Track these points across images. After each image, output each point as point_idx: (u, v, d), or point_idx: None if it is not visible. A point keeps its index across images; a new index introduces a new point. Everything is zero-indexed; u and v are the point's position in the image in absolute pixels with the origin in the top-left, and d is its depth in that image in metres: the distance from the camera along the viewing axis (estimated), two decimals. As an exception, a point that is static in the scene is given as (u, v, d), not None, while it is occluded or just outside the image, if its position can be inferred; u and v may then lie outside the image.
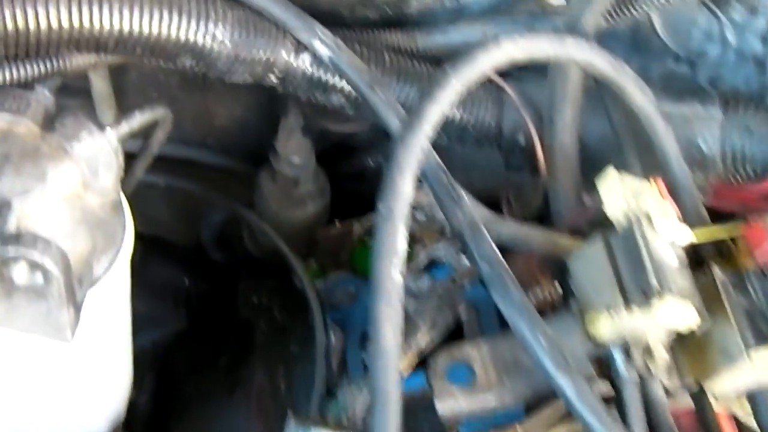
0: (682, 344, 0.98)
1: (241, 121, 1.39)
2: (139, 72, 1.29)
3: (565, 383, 0.88)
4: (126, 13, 1.00)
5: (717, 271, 1.00)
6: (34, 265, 0.86)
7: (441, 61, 1.23)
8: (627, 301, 0.94)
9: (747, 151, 1.18)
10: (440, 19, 1.25)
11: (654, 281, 0.92)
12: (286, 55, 1.11)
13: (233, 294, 1.43)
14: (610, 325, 0.95)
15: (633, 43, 1.27)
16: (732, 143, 1.18)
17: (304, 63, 1.12)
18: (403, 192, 0.90)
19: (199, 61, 1.07)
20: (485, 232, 0.95)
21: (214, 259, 1.52)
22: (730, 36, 1.21)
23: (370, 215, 1.36)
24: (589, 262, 1.00)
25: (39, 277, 0.87)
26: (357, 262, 1.35)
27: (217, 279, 1.51)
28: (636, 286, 0.93)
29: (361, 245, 1.36)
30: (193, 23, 1.04)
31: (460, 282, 1.12)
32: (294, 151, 1.31)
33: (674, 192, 1.06)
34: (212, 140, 1.41)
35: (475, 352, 1.01)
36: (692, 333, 0.95)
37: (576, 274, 1.02)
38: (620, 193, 1.00)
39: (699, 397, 0.98)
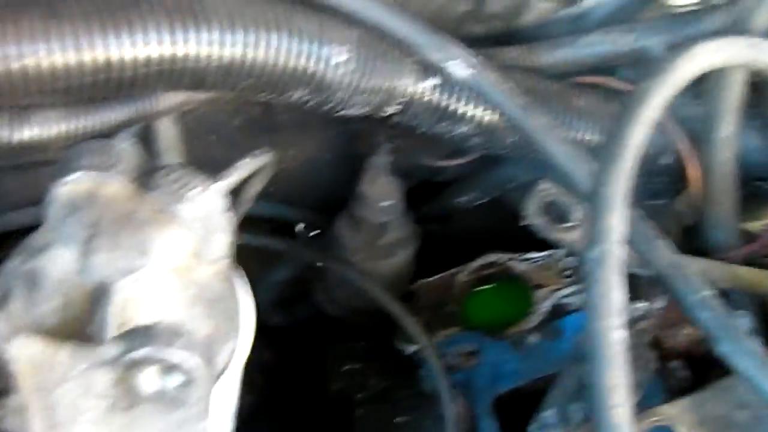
0: None
1: (312, 162, 1.20)
2: (196, 114, 1.09)
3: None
4: (228, 37, 0.81)
5: None
6: (169, 368, 0.67)
7: (566, 78, 1.06)
8: None
9: None
10: (555, 32, 1.09)
11: None
12: (410, 81, 0.94)
13: (309, 362, 1.23)
14: None
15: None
16: None
17: (430, 89, 0.95)
18: (616, 232, 0.75)
19: (314, 92, 0.90)
20: (693, 272, 0.83)
21: (273, 325, 1.32)
22: None
23: (475, 260, 1.19)
24: None
25: (174, 380, 0.68)
26: (471, 314, 1.17)
27: (279, 347, 1.31)
28: None
29: (473, 294, 1.18)
30: (309, 46, 0.86)
31: (650, 330, 0.95)
32: (383, 193, 1.13)
33: None
34: (276, 188, 1.21)
35: (678, 412, 0.88)
36: None
37: None
38: None
39: None
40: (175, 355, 0.66)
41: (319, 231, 1.27)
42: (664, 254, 0.82)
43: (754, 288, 0.95)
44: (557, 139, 0.89)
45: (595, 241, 0.74)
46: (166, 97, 0.87)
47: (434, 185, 1.30)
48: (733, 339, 0.78)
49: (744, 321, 0.95)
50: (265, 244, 1.18)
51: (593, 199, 0.77)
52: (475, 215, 1.30)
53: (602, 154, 0.79)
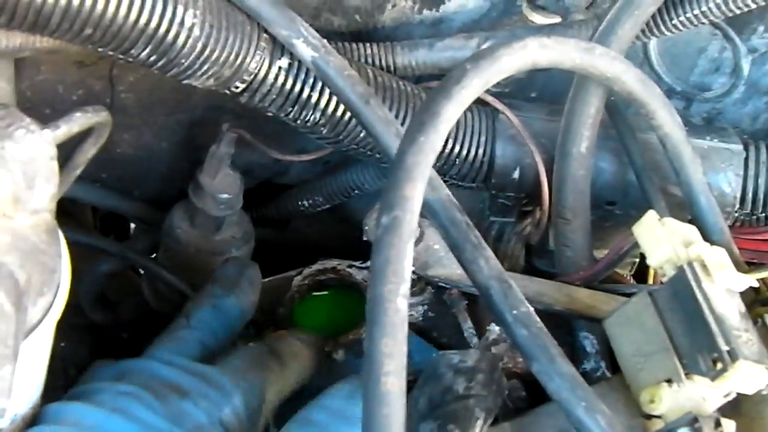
0: (734, 406, 0.85)
1: (149, 149, 1.14)
2: (33, 83, 1.02)
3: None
4: None
5: (770, 321, 0.89)
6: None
7: (421, 81, 1.05)
8: (688, 369, 0.82)
9: None
10: (414, 33, 1.07)
11: (723, 344, 0.80)
12: (259, 58, 0.90)
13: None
14: (671, 398, 0.82)
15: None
16: (755, 182, 1.06)
17: (279, 69, 0.92)
18: (412, 201, 0.71)
19: (159, 53, 0.85)
20: (517, 287, 0.78)
21: (93, 320, 1.24)
22: (746, 66, 1.09)
23: (311, 266, 1.15)
24: (633, 324, 0.87)
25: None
26: (300, 318, 1.13)
27: (96, 343, 1.24)
28: (699, 350, 0.81)
29: (304, 299, 1.14)
30: (159, 4, 0.82)
31: (500, 353, 0.93)
32: (223, 185, 1.08)
33: (701, 232, 0.92)
34: (109, 174, 1.15)
35: (499, 437, 0.86)
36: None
37: (617, 338, 0.89)
38: (665, 239, 0.87)
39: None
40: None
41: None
42: (489, 266, 0.78)
43: (589, 311, 0.94)
44: (394, 134, 0.87)
45: (388, 207, 0.70)
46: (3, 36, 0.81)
47: (275, 188, 1.26)
48: (547, 359, 0.75)
49: (588, 343, 0.95)
50: (77, 240, 1.10)
51: (393, 167, 0.73)
52: (315, 222, 1.27)
53: (410, 125, 0.76)
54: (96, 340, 1.26)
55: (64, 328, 1.23)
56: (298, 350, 0.96)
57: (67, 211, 1.27)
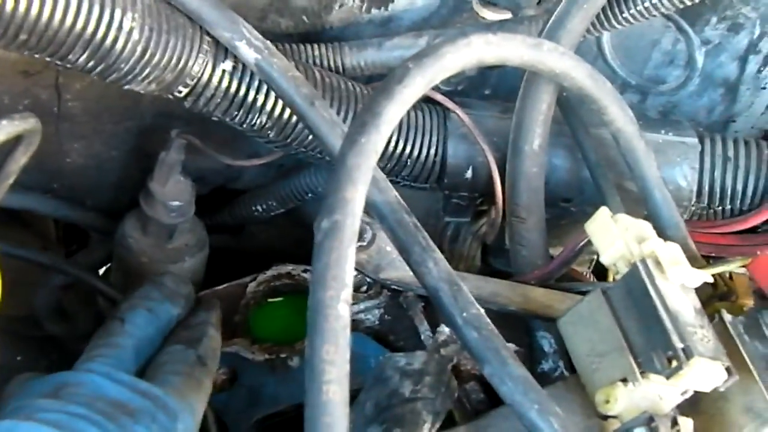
0: (693, 404, 0.85)
1: (99, 158, 1.12)
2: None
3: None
4: None
5: (727, 316, 0.89)
6: None
7: (372, 81, 1.03)
8: (643, 368, 0.81)
9: (727, 184, 1.04)
10: (364, 33, 1.06)
11: (677, 342, 0.79)
12: (202, 62, 0.89)
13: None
14: (627, 398, 0.81)
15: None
16: (711, 176, 1.04)
17: (222, 72, 0.91)
18: (353, 204, 0.69)
19: (98, 58, 0.83)
20: (467, 289, 0.77)
21: (51, 333, 1.22)
22: (700, 58, 1.08)
23: (267, 271, 1.13)
24: (587, 323, 0.86)
25: None
26: (256, 326, 1.11)
27: (54, 356, 1.22)
28: (653, 348, 0.81)
29: (260, 306, 1.12)
30: (96, 8, 0.80)
31: (450, 355, 0.91)
32: (175, 193, 1.06)
33: (657, 228, 0.91)
34: (60, 184, 1.13)
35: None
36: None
37: (571, 338, 0.88)
38: (617, 236, 0.87)
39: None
40: None
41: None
42: (438, 268, 0.77)
43: (544, 310, 0.93)
44: (339, 136, 0.86)
45: (328, 211, 0.68)
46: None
47: (229, 193, 1.24)
48: (499, 362, 0.74)
49: (545, 342, 0.94)
50: (20, 256, 1.08)
51: (335, 170, 0.71)
52: (270, 227, 1.26)
53: (351, 126, 0.74)
54: (54, 352, 1.24)
55: (20, 341, 1.22)
56: (217, 345, 0.94)
57: (26, 223, 1.25)
